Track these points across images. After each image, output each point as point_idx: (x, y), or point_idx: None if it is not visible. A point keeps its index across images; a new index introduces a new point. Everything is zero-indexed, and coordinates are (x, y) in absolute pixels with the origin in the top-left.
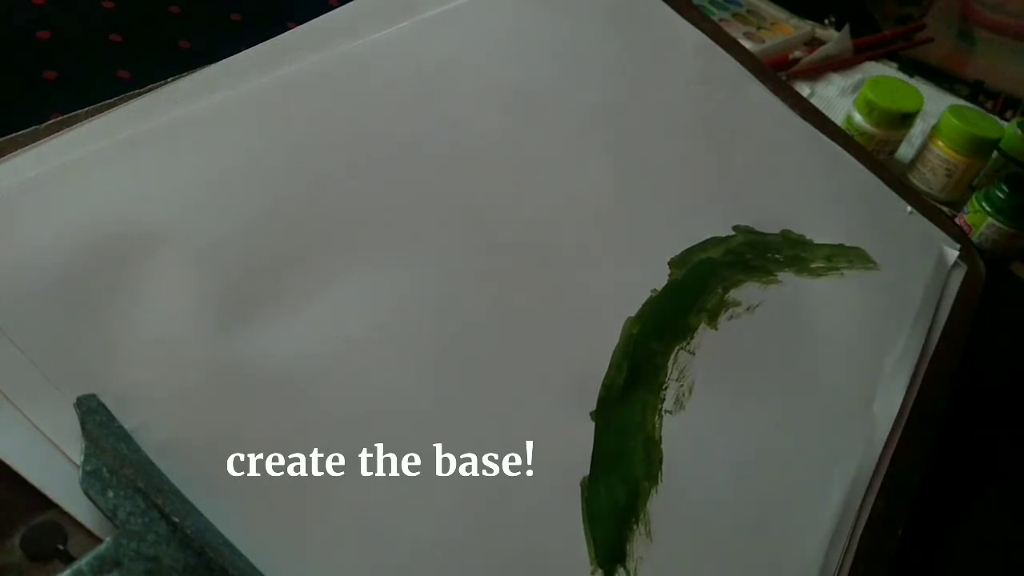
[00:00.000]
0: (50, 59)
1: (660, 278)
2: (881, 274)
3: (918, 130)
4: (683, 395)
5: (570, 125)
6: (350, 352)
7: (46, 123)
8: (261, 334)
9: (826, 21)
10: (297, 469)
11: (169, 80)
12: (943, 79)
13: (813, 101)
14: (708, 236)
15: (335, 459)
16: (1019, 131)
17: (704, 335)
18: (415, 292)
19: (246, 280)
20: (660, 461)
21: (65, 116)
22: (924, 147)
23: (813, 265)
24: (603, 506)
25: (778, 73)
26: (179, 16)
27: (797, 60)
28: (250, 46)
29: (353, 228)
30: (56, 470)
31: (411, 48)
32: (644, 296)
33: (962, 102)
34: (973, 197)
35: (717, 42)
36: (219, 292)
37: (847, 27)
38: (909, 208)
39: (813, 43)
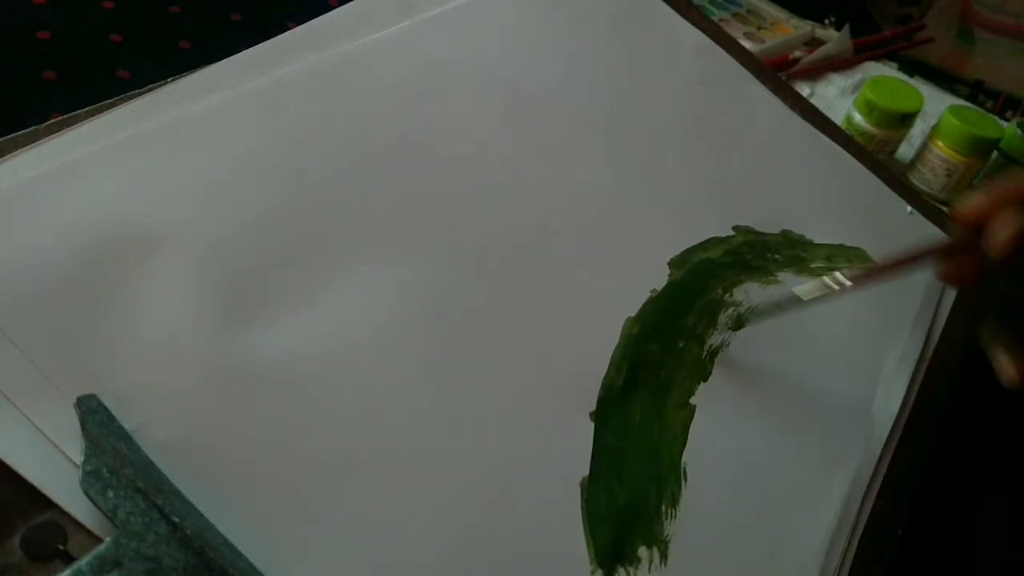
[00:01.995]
0: (50, 59)
1: (660, 278)
2: None
3: (918, 130)
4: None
5: (570, 125)
6: (349, 352)
7: (46, 123)
8: (261, 334)
9: (826, 21)
10: (296, 469)
11: (169, 80)
12: (943, 79)
13: (813, 101)
14: (708, 236)
15: (334, 459)
16: (1019, 131)
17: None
18: (415, 292)
19: (246, 280)
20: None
21: (65, 116)
22: (924, 147)
23: (813, 265)
24: (603, 506)
25: (778, 73)
26: (179, 16)
27: (797, 60)
28: (250, 46)
29: (353, 228)
30: (56, 470)
31: (411, 48)
32: (644, 296)
33: (962, 102)
34: None
35: (717, 42)
36: (219, 292)
37: (847, 27)
38: (909, 208)
39: (813, 43)
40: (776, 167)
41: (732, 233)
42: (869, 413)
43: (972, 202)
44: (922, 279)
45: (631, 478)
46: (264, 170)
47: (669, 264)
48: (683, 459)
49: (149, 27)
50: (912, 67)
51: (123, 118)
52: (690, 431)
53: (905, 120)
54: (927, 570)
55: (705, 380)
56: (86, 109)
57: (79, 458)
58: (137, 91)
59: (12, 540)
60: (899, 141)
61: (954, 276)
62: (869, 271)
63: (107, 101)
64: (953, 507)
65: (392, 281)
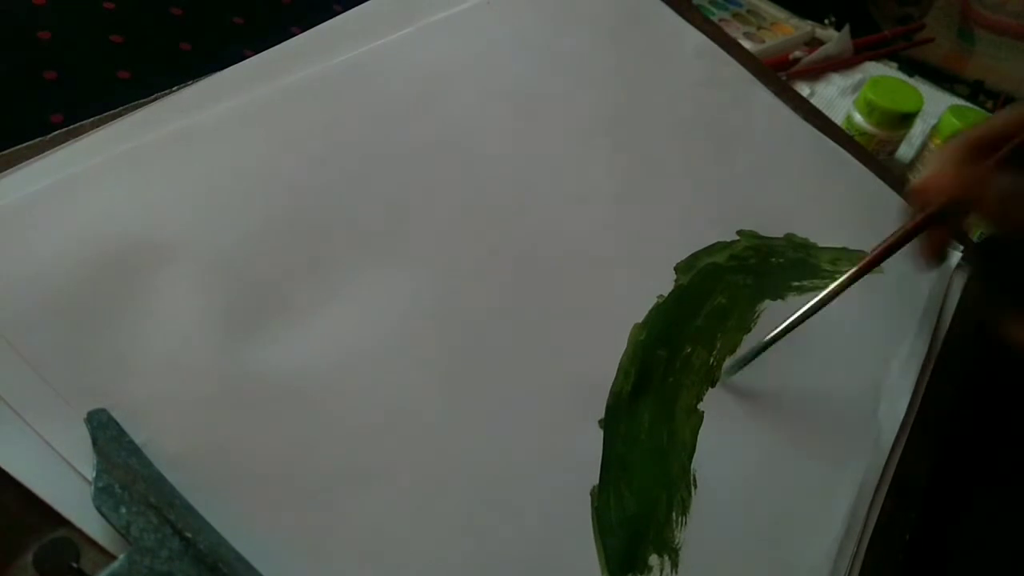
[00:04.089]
0: (50, 59)
1: (666, 284)
2: (885, 277)
3: (918, 130)
4: None
5: (574, 130)
6: (358, 362)
7: (50, 135)
8: (269, 345)
9: (826, 21)
10: (308, 481)
11: (174, 89)
12: (943, 79)
13: (813, 101)
14: (713, 240)
15: (346, 470)
16: None
17: None
18: (422, 301)
19: (255, 291)
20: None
21: (70, 127)
22: (924, 147)
23: (819, 268)
24: (613, 515)
25: (778, 73)
26: (180, 18)
27: (797, 60)
28: (252, 50)
29: (360, 237)
30: (68, 486)
31: (415, 53)
32: (650, 302)
33: (962, 102)
34: None
35: (719, 44)
36: (228, 304)
37: (847, 27)
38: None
39: (813, 43)
40: (779, 170)
41: (737, 238)
42: (875, 417)
43: (922, 175)
44: (927, 281)
45: (641, 485)
46: (272, 180)
47: (675, 269)
48: (692, 465)
49: (150, 28)
50: (912, 67)
51: (128, 129)
52: (699, 437)
53: (905, 120)
54: (934, 572)
55: (713, 385)
56: (91, 120)
57: (90, 474)
58: (142, 100)
59: (25, 558)
60: (899, 141)
61: (930, 249)
62: (852, 274)
63: (110, 112)
64: (960, 510)
65: (400, 289)
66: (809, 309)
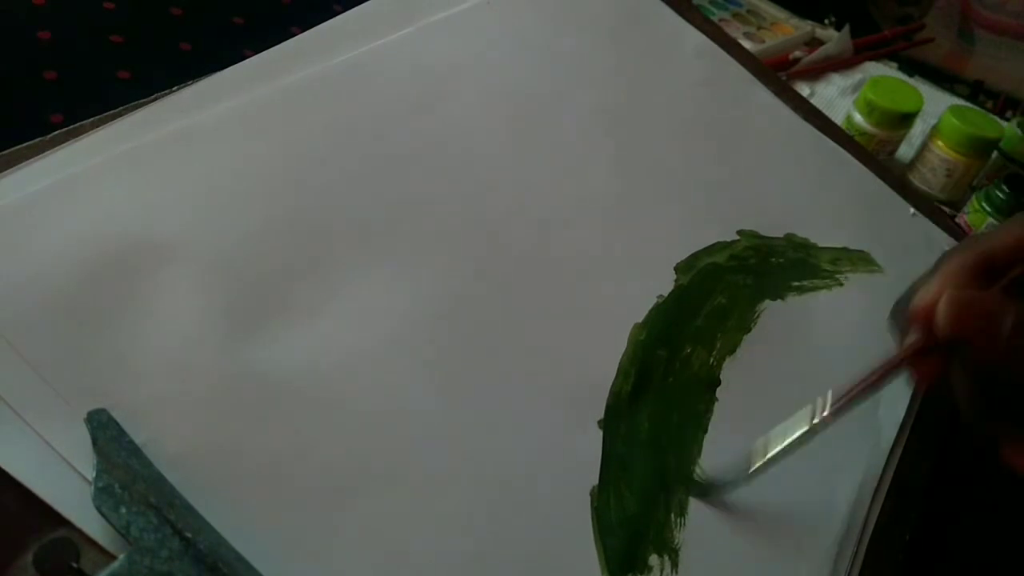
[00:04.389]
0: (50, 59)
1: (666, 284)
2: (884, 278)
3: (918, 130)
4: None
5: (574, 130)
6: (358, 362)
7: (50, 135)
8: (270, 345)
9: (826, 21)
10: (308, 481)
11: (175, 89)
12: (943, 79)
13: (813, 101)
14: (713, 240)
15: (346, 471)
16: (1019, 131)
17: None
18: (422, 301)
19: (256, 292)
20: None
21: (70, 127)
22: (924, 147)
23: (820, 268)
24: (613, 515)
25: (778, 73)
26: (180, 18)
27: (797, 60)
28: (252, 49)
29: (361, 238)
30: (68, 486)
31: (415, 54)
32: (650, 302)
33: (962, 102)
34: (973, 197)
35: (719, 44)
36: (228, 304)
37: (847, 27)
38: (912, 210)
39: (813, 43)
40: (780, 170)
41: (737, 238)
42: (875, 418)
43: (923, 296)
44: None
45: (641, 485)
46: (272, 180)
47: (675, 269)
48: (692, 466)
49: (150, 28)
50: (912, 67)
51: (128, 129)
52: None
53: (905, 120)
54: (935, 574)
55: (713, 386)
56: (91, 120)
57: (90, 474)
58: (142, 100)
59: (25, 558)
60: (899, 141)
61: (928, 376)
62: (846, 399)
63: (111, 112)
64: (960, 510)
65: (399, 290)
66: (790, 445)
